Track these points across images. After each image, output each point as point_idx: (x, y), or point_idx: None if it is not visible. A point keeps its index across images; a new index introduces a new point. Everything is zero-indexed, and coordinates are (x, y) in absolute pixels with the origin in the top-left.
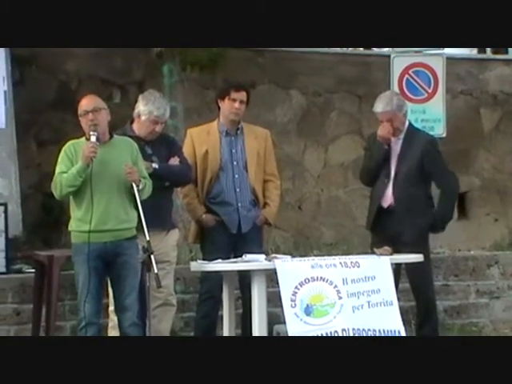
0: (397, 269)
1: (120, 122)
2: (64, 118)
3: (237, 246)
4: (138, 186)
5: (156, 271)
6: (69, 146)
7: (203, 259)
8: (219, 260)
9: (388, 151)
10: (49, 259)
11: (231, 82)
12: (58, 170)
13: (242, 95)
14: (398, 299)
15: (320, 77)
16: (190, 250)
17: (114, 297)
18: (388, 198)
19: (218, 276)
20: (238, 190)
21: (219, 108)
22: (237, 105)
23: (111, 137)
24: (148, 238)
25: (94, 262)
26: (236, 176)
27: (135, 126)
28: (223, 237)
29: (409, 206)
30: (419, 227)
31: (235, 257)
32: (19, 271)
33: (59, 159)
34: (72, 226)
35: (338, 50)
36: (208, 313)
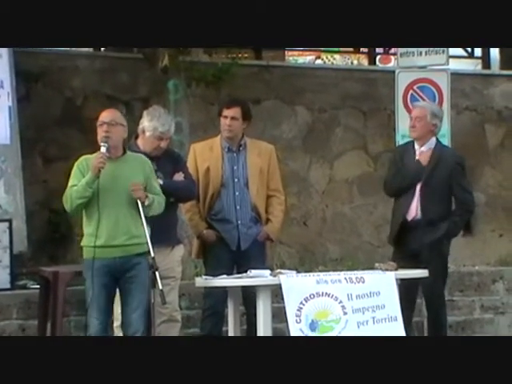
0: (414, 284)
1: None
2: (70, 134)
3: (239, 262)
4: (143, 202)
5: (161, 288)
6: (81, 160)
7: (206, 274)
8: (224, 276)
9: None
10: (54, 275)
11: (226, 99)
12: (69, 183)
13: (234, 111)
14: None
15: (325, 93)
16: (195, 266)
17: (121, 311)
18: (413, 212)
19: (222, 292)
20: (238, 207)
21: None
22: (228, 122)
23: (124, 153)
24: (153, 255)
25: (104, 277)
26: (237, 193)
27: (140, 142)
28: (225, 252)
29: (433, 221)
30: (439, 243)
31: (238, 272)
32: (24, 287)
33: (72, 173)
34: (84, 241)
35: (343, 66)
36: (212, 329)
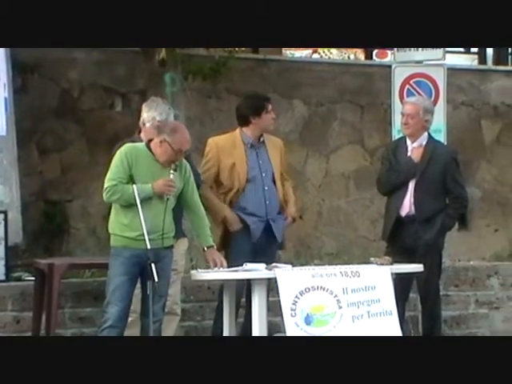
0: (409, 279)
1: (122, 131)
2: (66, 126)
3: (257, 252)
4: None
5: (156, 280)
6: (130, 150)
7: (228, 266)
8: (221, 268)
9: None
10: (49, 267)
11: (262, 96)
12: (115, 173)
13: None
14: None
15: (322, 87)
16: (190, 259)
17: (142, 300)
18: (406, 207)
19: (241, 285)
20: (267, 202)
21: (244, 122)
22: (273, 115)
23: None
24: (149, 247)
25: (133, 267)
26: (266, 188)
27: (142, 135)
28: (246, 244)
29: (427, 217)
30: (434, 239)
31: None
32: (19, 279)
33: (117, 161)
34: (115, 229)
35: (341, 60)
36: None
